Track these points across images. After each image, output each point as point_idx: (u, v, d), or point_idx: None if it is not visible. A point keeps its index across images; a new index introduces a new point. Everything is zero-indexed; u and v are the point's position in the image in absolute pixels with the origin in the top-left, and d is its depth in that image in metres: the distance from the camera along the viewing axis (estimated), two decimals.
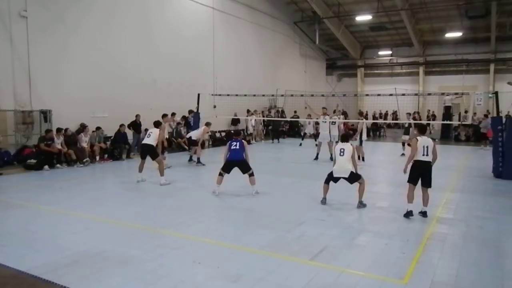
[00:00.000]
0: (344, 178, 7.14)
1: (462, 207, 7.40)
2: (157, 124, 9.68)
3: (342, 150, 7.19)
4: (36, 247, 5.07)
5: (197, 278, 4.21)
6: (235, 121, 20.04)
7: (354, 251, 5.04)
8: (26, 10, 12.00)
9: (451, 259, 4.81)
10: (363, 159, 12.32)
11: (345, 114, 13.12)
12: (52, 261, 4.57)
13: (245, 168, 8.06)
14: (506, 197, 8.22)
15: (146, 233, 5.68)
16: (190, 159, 12.57)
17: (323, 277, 4.23)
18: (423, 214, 6.43)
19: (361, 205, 7.15)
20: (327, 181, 7.36)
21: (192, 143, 12.35)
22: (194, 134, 12.31)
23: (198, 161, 12.11)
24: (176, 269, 4.41)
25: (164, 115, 11.81)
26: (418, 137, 6.61)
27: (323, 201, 7.35)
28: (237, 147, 8.07)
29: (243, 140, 8.40)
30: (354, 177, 7.15)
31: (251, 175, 8.04)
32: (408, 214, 6.43)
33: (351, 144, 7.40)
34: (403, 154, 14.33)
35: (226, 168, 8.08)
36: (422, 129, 6.91)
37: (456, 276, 4.32)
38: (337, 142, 10.27)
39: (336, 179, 7.23)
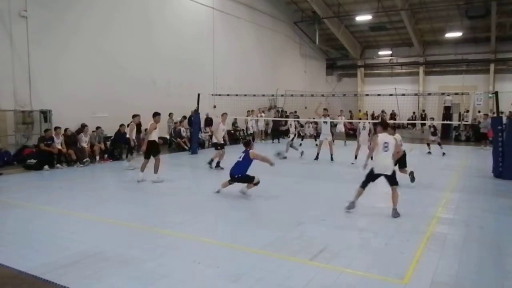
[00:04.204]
0: (386, 176, 6.51)
1: (462, 207, 7.39)
2: (153, 115, 9.43)
3: (386, 145, 6.50)
4: (36, 247, 5.07)
5: (197, 278, 4.20)
6: (209, 122, 18.16)
7: (354, 251, 5.03)
8: (26, 10, 12.01)
9: (451, 259, 4.80)
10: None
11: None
12: (52, 261, 4.57)
13: (246, 180, 7.74)
14: (506, 197, 8.21)
15: (146, 233, 5.68)
16: (217, 165, 11.07)
17: (323, 277, 4.23)
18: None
19: (396, 213, 6.46)
20: (364, 185, 6.66)
21: (217, 147, 11.23)
22: (216, 136, 11.35)
23: (217, 165, 11.11)
24: (176, 269, 4.41)
25: (134, 116, 11.41)
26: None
27: (351, 205, 6.69)
28: (240, 159, 7.74)
29: (250, 150, 7.87)
30: (394, 178, 6.53)
31: (251, 185, 7.77)
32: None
33: (395, 138, 6.80)
34: (429, 153, 15.00)
35: (231, 180, 7.87)
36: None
37: (456, 276, 4.32)
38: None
39: (376, 177, 6.57)
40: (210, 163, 11.19)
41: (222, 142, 11.38)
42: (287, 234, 5.61)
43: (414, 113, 28.50)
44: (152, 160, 9.38)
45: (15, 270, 4.36)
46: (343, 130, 19.32)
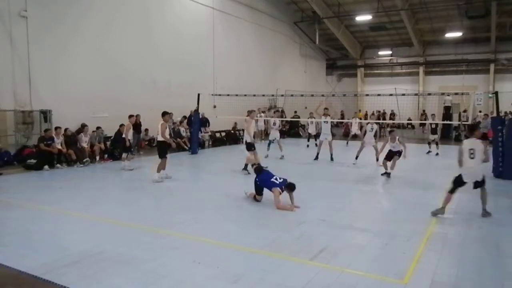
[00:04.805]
0: (476, 182, 6.43)
1: (462, 207, 7.38)
2: (162, 114, 9.57)
3: (472, 151, 6.34)
4: (36, 247, 5.07)
5: (197, 278, 4.21)
6: (204, 122, 17.67)
7: (354, 251, 5.03)
8: (26, 10, 12.01)
9: (451, 259, 4.81)
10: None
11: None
12: (52, 261, 4.57)
13: (256, 189, 7.50)
14: (506, 197, 8.21)
15: (146, 233, 5.68)
16: (245, 168, 10.51)
17: (323, 277, 4.23)
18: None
19: (486, 213, 6.52)
20: (453, 191, 6.52)
21: (249, 147, 10.61)
22: (246, 136, 10.79)
23: (245, 167, 10.52)
24: (176, 269, 4.41)
25: (130, 116, 11.40)
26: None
27: (440, 212, 6.51)
28: (273, 179, 7.20)
29: (277, 187, 7.10)
30: (483, 182, 6.42)
31: (253, 194, 7.61)
32: None
33: (482, 142, 6.54)
34: (429, 152, 15.01)
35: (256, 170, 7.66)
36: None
37: (456, 276, 4.32)
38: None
39: (464, 184, 6.46)
40: (246, 168, 10.51)
41: (253, 141, 10.80)
42: (287, 234, 5.61)
43: (423, 113, 27.67)
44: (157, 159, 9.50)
45: (15, 270, 4.36)
46: (359, 132, 17.61)
